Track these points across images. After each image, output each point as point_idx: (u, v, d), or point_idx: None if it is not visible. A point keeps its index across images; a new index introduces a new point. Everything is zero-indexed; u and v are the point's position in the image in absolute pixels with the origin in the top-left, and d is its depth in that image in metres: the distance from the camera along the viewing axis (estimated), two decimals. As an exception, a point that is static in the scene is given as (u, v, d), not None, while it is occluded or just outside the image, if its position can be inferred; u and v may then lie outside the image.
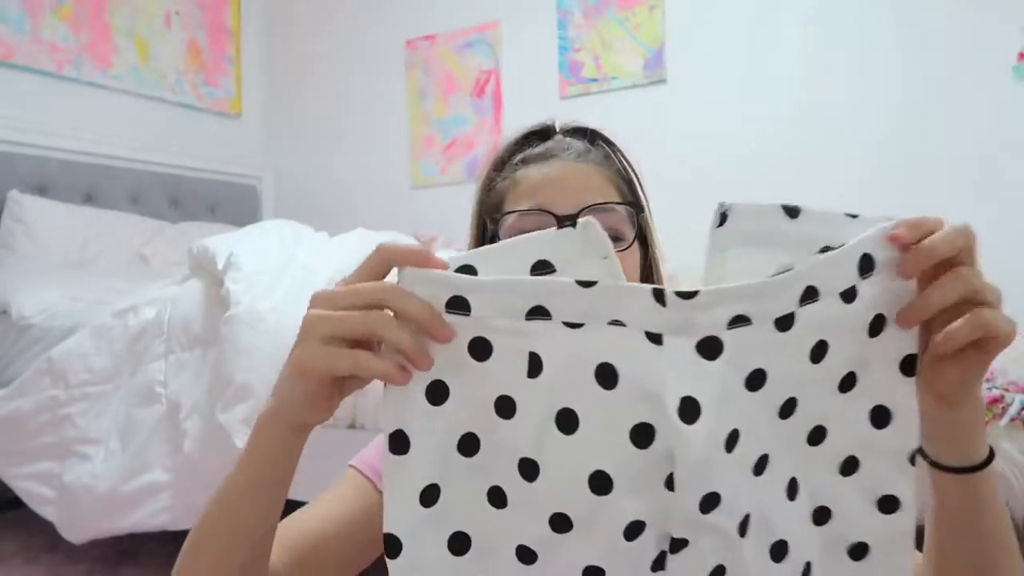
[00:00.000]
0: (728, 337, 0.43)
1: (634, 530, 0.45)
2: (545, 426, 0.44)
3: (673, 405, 0.42)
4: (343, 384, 0.47)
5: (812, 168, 2.46)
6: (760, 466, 0.46)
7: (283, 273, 1.68)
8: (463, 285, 0.43)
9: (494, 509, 0.46)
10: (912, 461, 0.47)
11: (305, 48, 3.55)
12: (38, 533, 1.97)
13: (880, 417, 0.47)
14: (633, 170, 0.71)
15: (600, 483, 0.44)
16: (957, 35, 2.24)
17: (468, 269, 0.44)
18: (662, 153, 2.71)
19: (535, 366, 0.43)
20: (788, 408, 0.46)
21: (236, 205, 3.34)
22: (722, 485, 0.44)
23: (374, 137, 3.33)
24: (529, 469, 0.45)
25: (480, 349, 0.44)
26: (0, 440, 1.84)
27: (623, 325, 0.43)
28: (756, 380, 0.44)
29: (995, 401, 1.42)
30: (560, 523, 0.45)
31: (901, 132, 2.33)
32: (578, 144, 0.70)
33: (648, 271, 0.70)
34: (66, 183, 2.70)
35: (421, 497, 0.45)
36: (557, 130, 0.73)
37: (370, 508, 0.65)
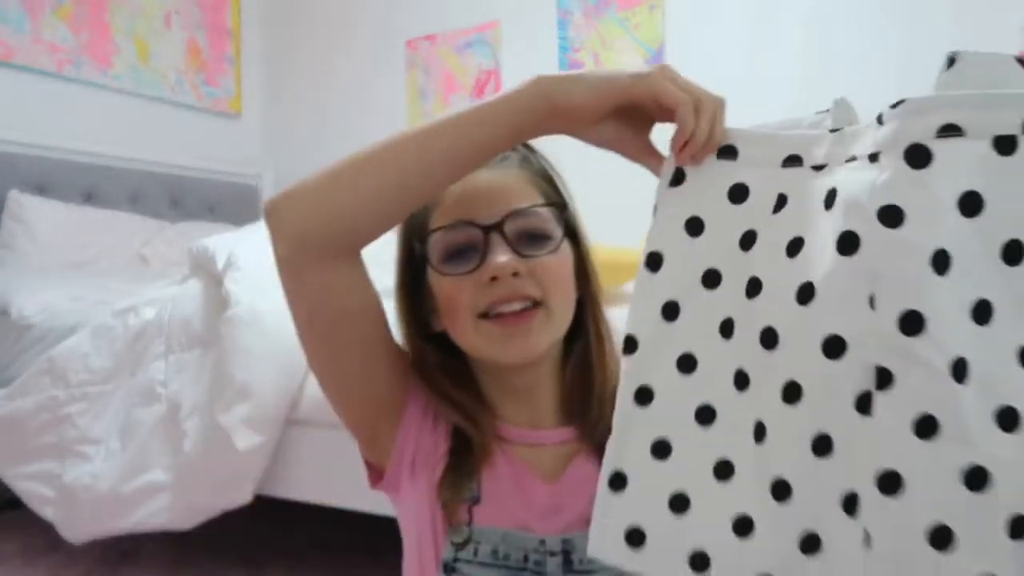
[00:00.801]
0: (937, 147, 0.42)
1: (834, 347, 0.45)
2: (775, 254, 0.49)
3: (874, 210, 0.43)
4: (636, 125, 0.57)
5: (812, 168, 2.46)
6: (982, 313, 0.41)
7: (283, 273, 1.67)
8: (735, 136, 0.52)
9: (721, 337, 0.51)
10: None
11: (305, 48, 3.55)
12: (38, 533, 1.97)
13: None
14: (553, 170, 0.71)
15: (805, 293, 0.46)
16: (957, 35, 2.24)
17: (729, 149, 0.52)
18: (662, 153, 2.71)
19: (780, 204, 0.50)
20: (1014, 253, 0.42)
21: (236, 205, 3.34)
22: (926, 305, 0.41)
23: (374, 137, 3.30)
24: (752, 288, 0.50)
25: (738, 193, 0.51)
26: (0, 440, 1.84)
27: (855, 159, 0.46)
28: (971, 203, 0.41)
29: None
30: (769, 338, 0.48)
31: (901, 132, 2.33)
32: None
33: (582, 266, 0.70)
34: (66, 183, 2.70)
35: (663, 310, 0.51)
36: None
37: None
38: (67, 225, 2.54)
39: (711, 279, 0.51)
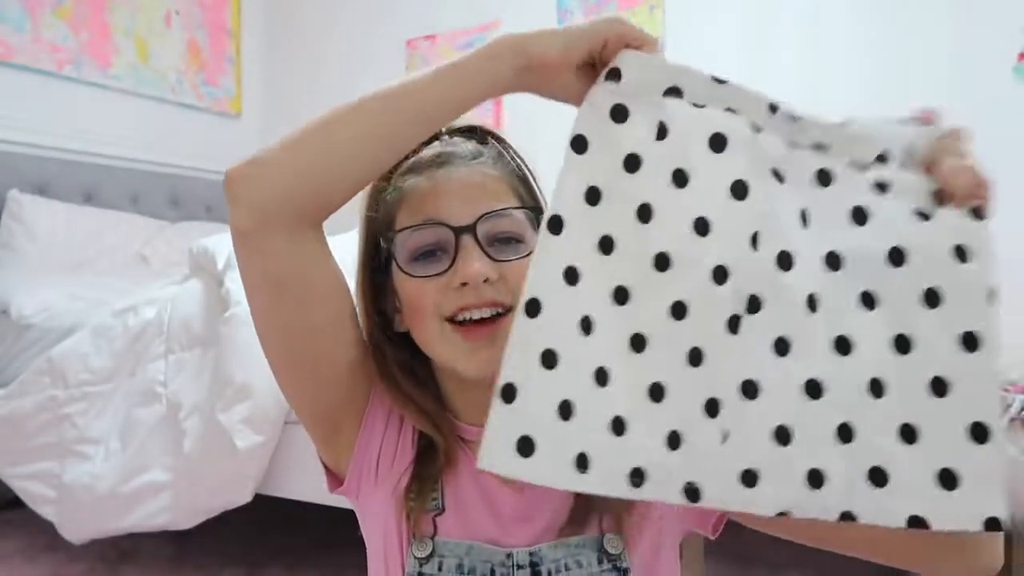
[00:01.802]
0: (808, 157, 0.54)
1: (720, 275, 0.51)
2: (661, 182, 0.52)
3: (766, 170, 0.53)
4: (593, 76, 0.54)
5: (812, 168, 2.46)
6: (833, 263, 0.53)
7: (283, 273, 1.67)
8: (624, 60, 0.54)
9: (600, 253, 0.53)
10: (990, 300, 0.52)
11: (305, 48, 3.55)
12: (38, 533, 1.97)
13: (961, 255, 0.52)
14: (528, 169, 0.68)
15: (701, 226, 0.52)
16: (957, 35, 2.24)
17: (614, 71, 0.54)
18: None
19: (662, 132, 0.53)
20: (859, 216, 0.53)
21: (236, 205, 3.33)
22: (795, 248, 0.52)
23: (374, 137, 3.33)
24: (644, 214, 0.52)
25: (620, 113, 0.53)
26: (0, 440, 1.84)
27: (735, 112, 0.54)
28: (823, 179, 0.54)
29: (995, 401, 1.43)
30: (661, 262, 0.52)
31: (901, 132, 2.33)
32: (468, 146, 0.66)
33: None
34: (66, 183, 2.70)
35: (549, 224, 0.52)
36: (443, 131, 0.68)
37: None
38: (67, 225, 2.54)
39: (592, 196, 0.53)
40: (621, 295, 0.53)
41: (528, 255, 0.61)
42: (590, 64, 0.55)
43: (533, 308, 0.52)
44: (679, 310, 0.52)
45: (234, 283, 1.61)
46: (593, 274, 0.52)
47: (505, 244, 0.62)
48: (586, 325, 0.52)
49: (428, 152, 0.65)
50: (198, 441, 1.56)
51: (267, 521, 2.03)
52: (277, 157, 0.55)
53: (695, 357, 0.52)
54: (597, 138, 0.53)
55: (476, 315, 0.60)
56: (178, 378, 1.67)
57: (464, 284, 0.59)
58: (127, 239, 2.69)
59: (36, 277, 2.22)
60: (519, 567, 0.60)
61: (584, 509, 0.62)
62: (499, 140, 0.68)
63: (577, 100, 0.56)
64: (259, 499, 1.59)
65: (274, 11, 3.63)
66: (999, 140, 2.18)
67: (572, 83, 0.55)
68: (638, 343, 0.52)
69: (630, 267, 0.53)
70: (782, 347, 0.51)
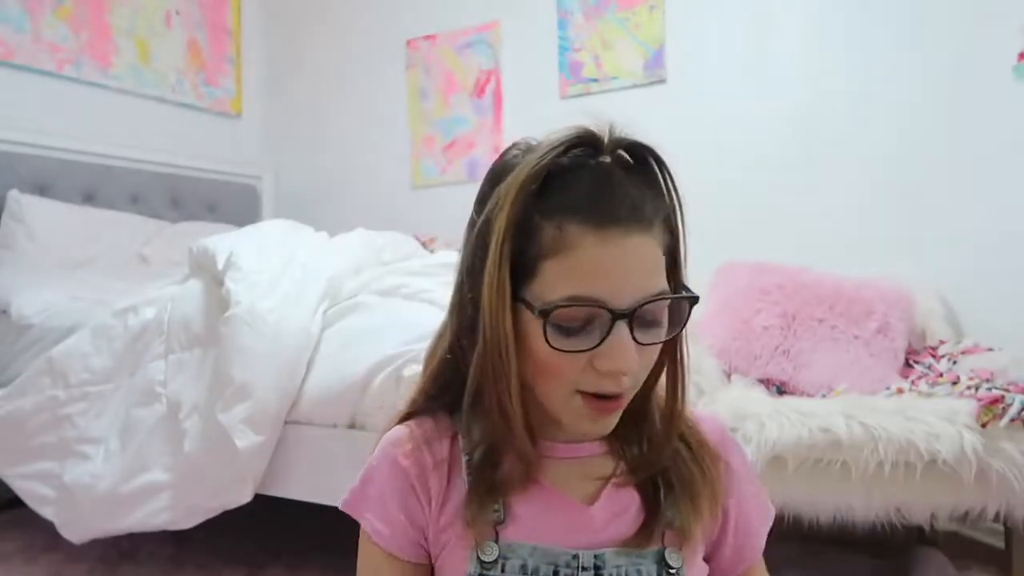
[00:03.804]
0: None
1: None
2: None
3: None
4: None
5: (812, 168, 2.46)
6: None
7: (283, 273, 1.68)
8: None
9: None
10: None
11: (305, 48, 3.55)
12: (38, 533, 1.97)
13: None
14: (681, 210, 0.61)
15: None
16: (957, 35, 2.24)
17: None
18: (661, 153, 2.71)
19: None
20: None
21: (236, 205, 3.34)
22: None
23: (374, 137, 3.33)
24: None
25: None
26: (0, 440, 1.84)
27: None
28: None
29: (995, 401, 1.42)
30: None
31: (901, 132, 2.33)
32: (637, 195, 0.59)
33: (675, 351, 0.62)
34: (66, 183, 2.70)
35: None
36: (606, 141, 0.61)
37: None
38: (67, 225, 2.54)
39: None
40: None
41: (663, 342, 0.59)
42: None
43: None
44: None
45: (234, 283, 1.61)
46: None
47: (648, 326, 0.58)
48: None
49: (601, 204, 0.57)
50: (198, 441, 1.56)
51: (267, 521, 2.03)
52: None
53: None
54: None
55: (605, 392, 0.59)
56: (178, 378, 1.67)
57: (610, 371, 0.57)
58: (127, 239, 2.70)
59: (36, 277, 2.21)
60: (583, 568, 0.59)
61: (652, 524, 0.61)
62: (660, 164, 0.63)
63: None
64: (259, 499, 1.59)
65: (274, 11, 3.63)
66: (999, 140, 2.18)
67: None
68: None
69: None
70: None
